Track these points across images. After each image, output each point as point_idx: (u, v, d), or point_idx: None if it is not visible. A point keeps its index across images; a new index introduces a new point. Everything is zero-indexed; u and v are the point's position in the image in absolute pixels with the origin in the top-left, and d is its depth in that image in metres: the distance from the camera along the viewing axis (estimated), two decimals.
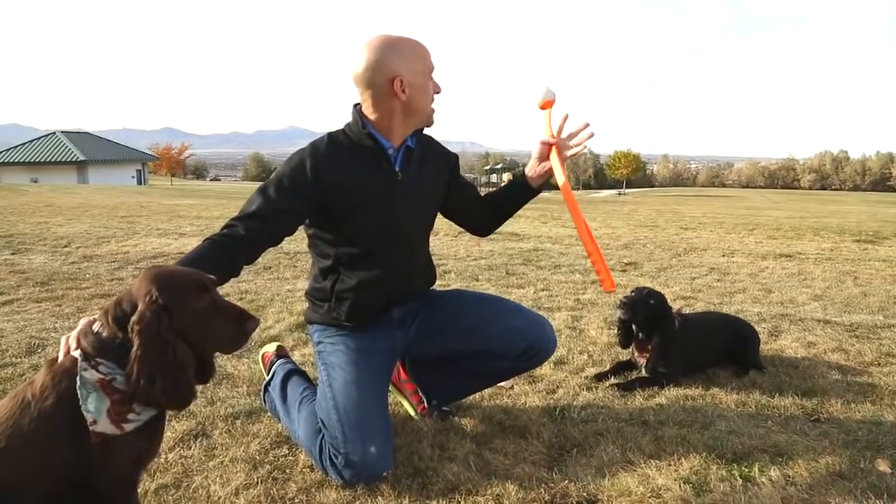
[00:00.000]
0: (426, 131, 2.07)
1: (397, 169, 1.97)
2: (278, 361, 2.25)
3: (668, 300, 4.09)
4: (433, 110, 2.00)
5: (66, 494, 1.31)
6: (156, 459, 1.77)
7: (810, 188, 68.97)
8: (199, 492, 1.74)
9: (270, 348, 2.39)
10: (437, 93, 1.98)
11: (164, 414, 1.42)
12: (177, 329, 1.30)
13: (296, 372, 2.18)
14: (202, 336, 1.35)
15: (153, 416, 1.36)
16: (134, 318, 1.28)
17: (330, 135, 1.98)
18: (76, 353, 1.32)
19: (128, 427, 1.30)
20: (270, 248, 1.98)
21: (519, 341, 2.04)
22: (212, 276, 1.43)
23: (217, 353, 1.48)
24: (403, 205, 1.97)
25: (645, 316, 2.64)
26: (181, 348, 1.30)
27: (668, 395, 2.49)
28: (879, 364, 2.93)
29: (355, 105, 1.97)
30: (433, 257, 2.24)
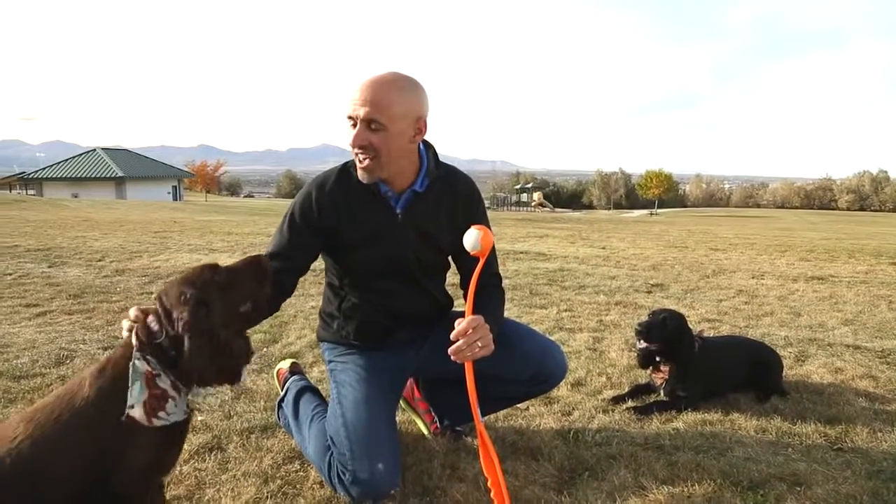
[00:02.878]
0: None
1: (398, 211, 1.93)
2: (292, 378, 2.28)
3: (692, 323, 4.03)
4: (356, 163, 1.83)
5: (87, 492, 1.38)
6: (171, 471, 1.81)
7: (848, 209, 67.25)
8: None
9: (285, 365, 2.43)
10: (352, 145, 1.79)
11: (188, 422, 1.52)
12: (215, 316, 1.43)
13: (308, 389, 2.21)
14: (235, 300, 1.49)
15: (178, 423, 1.46)
16: (179, 317, 1.41)
17: (343, 167, 1.96)
18: (133, 341, 1.44)
19: (157, 422, 1.41)
20: None
21: (528, 366, 2.03)
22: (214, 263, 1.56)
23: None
24: (403, 246, 1.94)
25: (663, 340, 2.60)
26: (224, 334, 1.43)
27: (686, 420, 2.45)
28: None
29: None
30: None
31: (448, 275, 2.19)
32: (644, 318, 2.68)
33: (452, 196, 2.00)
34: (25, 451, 1.34)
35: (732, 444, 2.23)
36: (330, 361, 2.09)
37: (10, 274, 5.38)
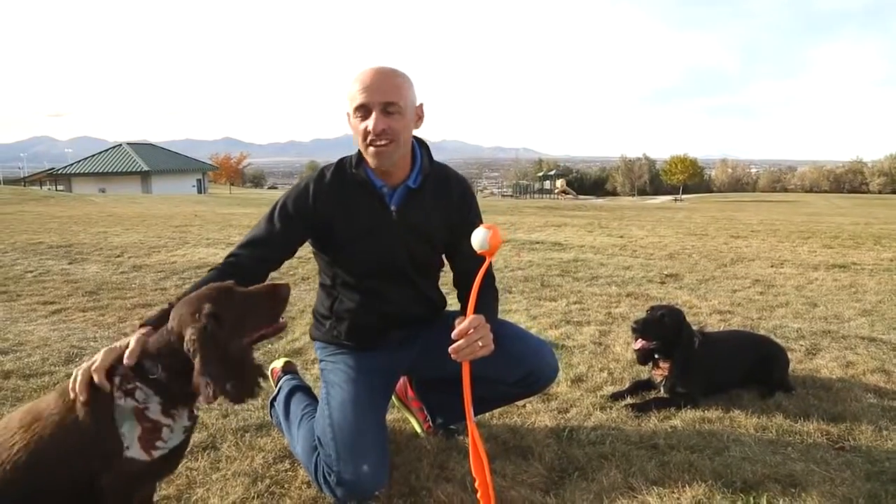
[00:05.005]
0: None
1: (393, 207, 1.93)
2: (285, 377, 2.30)
3: (703, 315, 3.96)
4: (370, 151, 1.82)
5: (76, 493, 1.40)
6: None
7: (880, 192, 65.39)
8: None
9: (279, 364, 2.44)
10: (368, 134, 1.79)
11: (188, 440, 1.51)
12: (227, 333, 1.39)
13: (300, 388, 2.22)
14: (247, 323, 1.44)
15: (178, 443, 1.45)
16: (189, 334, 1.36)
17: (340, 162, 1.98)
18: (115, 380, 1.40)
19: (156, 454, 1.40)
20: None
21: (520, 367, 2.01)
22: (230, 282, 1.52)
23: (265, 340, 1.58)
24: (397, 242, 1.94)
25: (660, 338, 2.56)
26: (235, 345, 1.40)
27: (684, 418, 2.41)
28: None
29: None
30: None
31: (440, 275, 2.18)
32: (642, 315, 2.64)
33: (446, 194, 2.01)
34: (22, 462, 1.35)
35: (730, 442, 2.19)
36: (321, 361, 2.10)
37: (32, 271, 5.51)
